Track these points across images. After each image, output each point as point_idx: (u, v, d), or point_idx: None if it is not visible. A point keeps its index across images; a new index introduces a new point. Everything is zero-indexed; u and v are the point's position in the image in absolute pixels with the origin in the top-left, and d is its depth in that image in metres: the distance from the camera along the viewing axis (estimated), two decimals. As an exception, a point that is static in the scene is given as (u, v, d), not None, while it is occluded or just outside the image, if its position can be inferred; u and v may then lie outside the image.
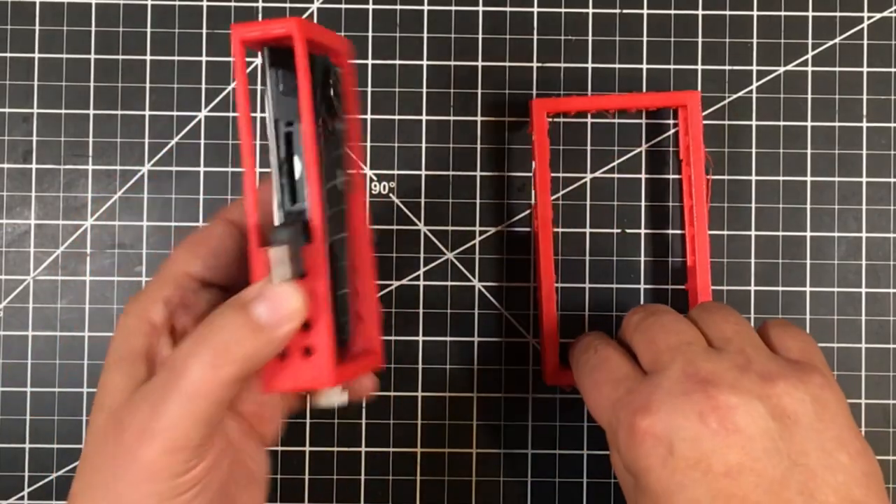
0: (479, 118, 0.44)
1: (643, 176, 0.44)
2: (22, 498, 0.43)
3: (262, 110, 0.43)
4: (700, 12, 0.44)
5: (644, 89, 0.44)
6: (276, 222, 0.29)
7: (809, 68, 0.44)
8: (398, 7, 0.44)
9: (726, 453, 0.28)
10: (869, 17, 0.44)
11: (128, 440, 0.27)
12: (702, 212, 0.42)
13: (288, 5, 0.44)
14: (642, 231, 0.44)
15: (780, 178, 0.44)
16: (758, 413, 0.29)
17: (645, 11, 0.44)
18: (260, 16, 0.44)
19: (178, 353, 0.27)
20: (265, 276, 0.28)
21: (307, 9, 0.44)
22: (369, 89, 0.43)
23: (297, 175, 0.29)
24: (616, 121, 0.44)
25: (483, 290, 0.43)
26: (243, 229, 0.31)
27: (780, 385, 0.29)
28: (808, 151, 0.44)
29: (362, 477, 0.43)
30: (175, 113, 0.44)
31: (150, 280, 0.31)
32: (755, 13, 0.44)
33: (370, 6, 0.44)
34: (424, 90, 0.44)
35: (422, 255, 0.43)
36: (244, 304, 0.27)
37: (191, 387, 0.27)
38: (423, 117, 0.44)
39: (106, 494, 0.27)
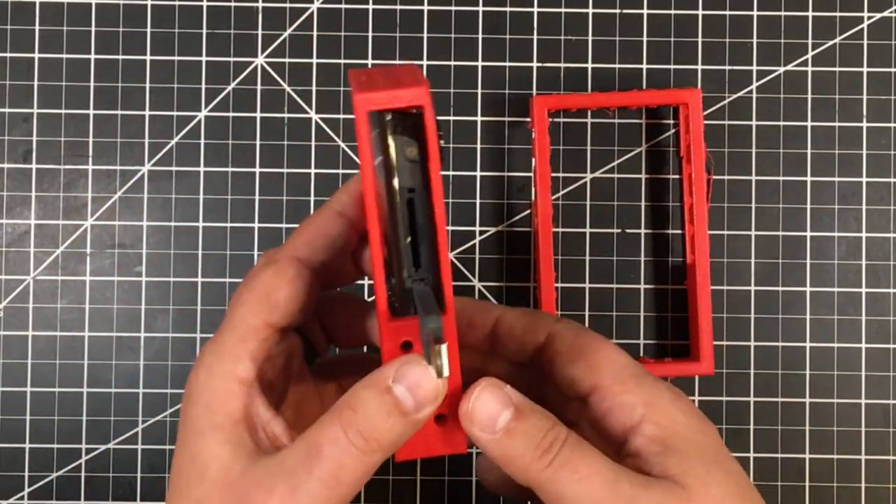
0: (479, 118, 0.44)
1: (643, 176, 0.44)
2: (22, 498, 0.43)
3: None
4: (700, 12, 0.44)
5: (644, 89, 0.44)
6: (410, 295, 0.27)
7: (809, 68, 0.44)
8: (398, 7, 0.44)
9: None
10: (869, 17, 0.44)
11: None
12: (702, 210, 0.42)
13: (288, 5, 0.44)
14: (642, 231, 0.44)
15: (780, 178, 0.44)
16: None
17: (645, 11, 0.44)
18: (260, 16, 0.44)
19: (322, 435, 0.27)
20: (397, 353, 0.27)
21: (307, 9, 0.44)
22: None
23: (416, 242, 0.28)
24: (616, 120, 0.44)
25: (483, 290, 0.43)
26: (313, 267, 0.30)
27: None
28: (808, 151, 0.44)
29: (362, 477, 0.43)
30: (175, 113, 0.44)
31: (224, 330, 0.29)
32: (755, 13, 0.44)
33: (370, 6, 0.44)
34: (424, 90, 0.44)
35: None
36: (387, 387, 0.26)
37: (337, 472, 0.26)
38: (423, 117, 0.44)
39: None
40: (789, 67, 0.44)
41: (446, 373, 0.26)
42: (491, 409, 0.27)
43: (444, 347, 0.25)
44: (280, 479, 0.27)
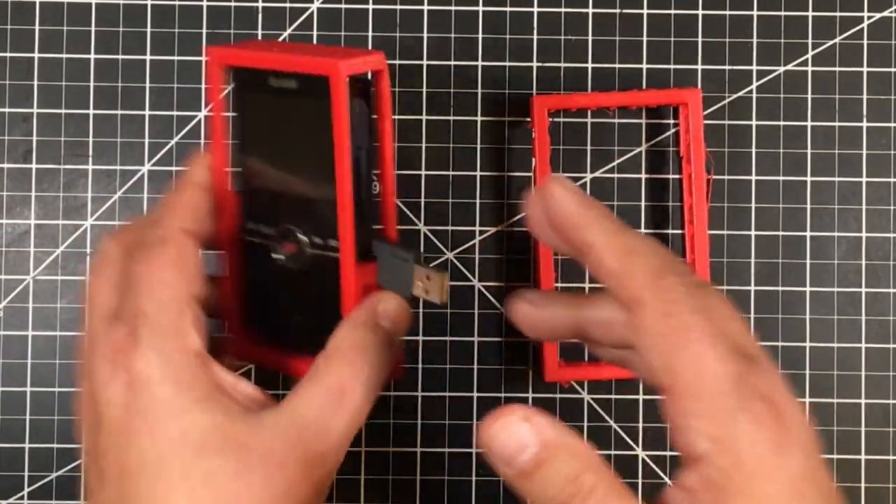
0: (479, 118, 0.44)
1: (643, 176, 0.44)
2: (22, 498, 0.43)
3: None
4: (700, 12, 0.44)
5: (644, 89, 0.44)
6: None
7: (809, 68, 0.44)
8: (398, 7, 0.44)
9: None
10: (869, 17, 0.44)
11: (281, 464, 0.28)
12: (702, 210, 0.42)
13: (288, 5, 0.44)
14: (642, 231, 0.44)
15: (780, 178, 0.44)
16: None
17: (645, 11, 0.44)
18: (260, 16, 0.44)
19: (338, 378, 0.29)
20: (361, 292, 0.32)
21: (307, 9, 0.44)
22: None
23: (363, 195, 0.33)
24: (616, 120, 0.44)
25: (483, 290, 0.43)
26: (201, 239, 0.32)
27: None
28: (808, 151, 0.44)
29: (362, 477, 0.43)
30: (175, 113, 0.44)
31: (146, 312, 0.29)
32: (755, 13, 0.44)
33: (370, 6, 0.44)
34: (424, 90, 0.44)
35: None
36: (377, 324, 0.31)
37: (358, 406, 0.29)
38: (423, 117, 0.44)
39: None
40: (789, 67, 0.44)
41: (447, 298, 0.32)
42: (510, 446, 0.25)
43: (445, 277, 0.32)
44: (306, 427, 0.28)
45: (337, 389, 0.29)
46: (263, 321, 0.35)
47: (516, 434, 0.24)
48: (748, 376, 0.24)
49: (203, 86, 0.44)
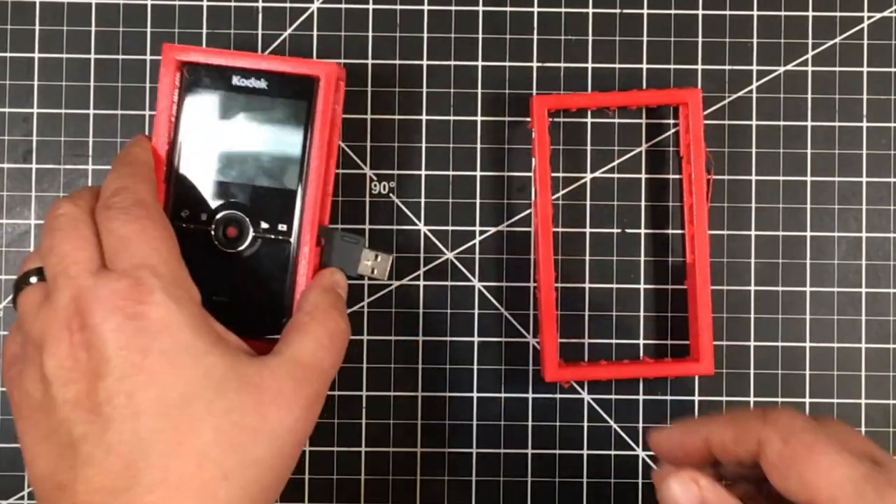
0: (479, 118, 0.44)
1: (643, 175, 0.44)
2: (22, 498, 0.43)
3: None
4: (700, 12, 0.44)
5: (644, 89, 0.44)
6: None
7: (809, 68, 0.44)
8: (398, 7, 0.44)
9: None
10: (869, 17, 0.44)
11: (299, 395, 0.32)
12: (702, 210, 0.42)
13: (288, 5, 0.44)
14: (642, 231, 0.44)
15: (780, 178, 0.44)
16: None
17: (645, 11, 0.44)
18: (260, 16, 0.44)
19: (326, 327, 0.34)
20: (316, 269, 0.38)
21: (307, 9, 0.44)
22: (369, 89, 0.43)
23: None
24: (616, 120, 0.44)
25: (483, 290, 0.43)
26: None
27: None
28: (808, 151, 0.44)
29: (362, 477, 0.43)
30: (175, 113, 0.43)
31: (154, 264, 0.31)
32: (755, 13, 0.44)
33: (370, 6, 0.44)
34: (424, 90, 0.44)
35: (422, 255, 0.43)
36: (336, 290, 0.37)
37: (341, 351, 0.35)
38: (424, 117, 0.44)
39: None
40: (789, 67, 0.44)
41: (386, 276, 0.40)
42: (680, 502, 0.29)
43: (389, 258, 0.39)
44: (308, 365, 0.33)
45: (327, 337, 0.34)
46: None
47: (684, 493, 0.29)
48: (879, 474, 0.27)
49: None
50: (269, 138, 0.38)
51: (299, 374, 0.32)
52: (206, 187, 0.38)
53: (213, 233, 0.38)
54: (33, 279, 0.33)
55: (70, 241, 0.32)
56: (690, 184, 0.42)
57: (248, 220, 0.38)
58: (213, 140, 0.38)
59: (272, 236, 0.38)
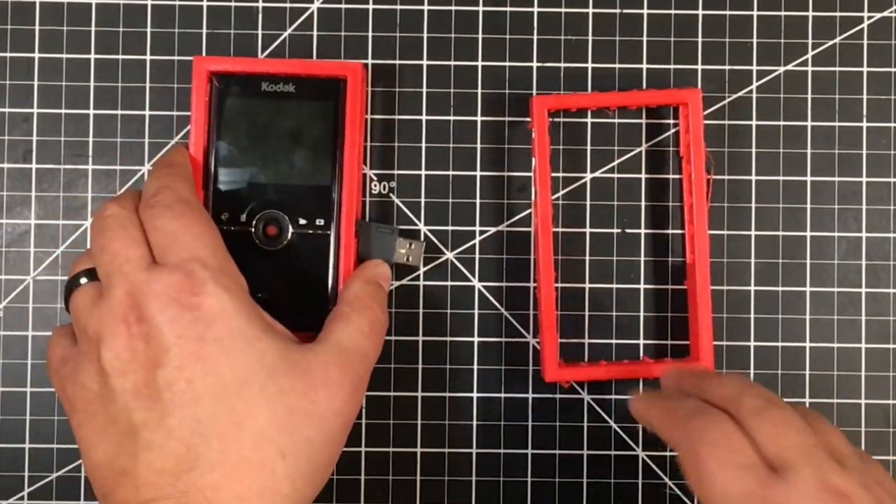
0: (479, 118, 0.44)
1: (643, 175, 0.44)
2: (22, 498, 0.43)
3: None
4: (700, 12, 0.44)
5: (644, 89, 0.44)
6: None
7: (809, 68, 0.44)
8: (398, 7, 0.44)
9: None
10: (869, 17, 0.44)
11: (353, 380, 0.35)
12: (702, 210, 0.42)
13: (288, 5, 0.44)
14: (642, 231, 0.44)
15: (780, 178, 0.44)
16: None
17: (645, 11, 0.44)
18: (260, 16, 0.44)
19: (367, 317, 0.37)
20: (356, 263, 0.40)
21: (307, 9, 0.44)
22: (369, 89, 0.43)
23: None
24: (616, 120, 0.44)
25: (483, 290, 0.43)
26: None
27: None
28: (808, 151, 0.44)
29: (362, 477, 0.43)
30: (175, 113, 0.44)
31: (213, 255, 0.33)
32: (755, 13, 0.44)
33: (370, 6, 0.44)
34: (424, 90, 0.44)
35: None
36: (377, 282, 0.39)
37: (381, 340, 0.37)
38: (424, 117, 0.44)
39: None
40: (789, 67, 0.44)
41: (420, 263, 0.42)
42: None
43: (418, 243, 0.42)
44: (352, 351, 0.35)
45: (368, 326, 0.36)
46: None
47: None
48: (764, 491, 0.31)
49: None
50: (300, 138, 0.40)
51: (343, 359, 0.34)
52: (244, 190, 0.40)
53: (253, 232, 0.40)
54: (83, 280, 0.35)
55: (120, 240, 0.33)
56: (690, 184, 0.42)
57: (286, 217, 0.40)
58: (247, 144, 0.40)
59: (311, 231, 0.40)
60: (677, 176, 0.44)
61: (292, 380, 0.33)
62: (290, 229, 0.40)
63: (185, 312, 0.32)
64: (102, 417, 0.32)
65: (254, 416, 0.32)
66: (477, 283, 0.43)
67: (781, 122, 0.44)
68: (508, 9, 0.44)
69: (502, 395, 0.43)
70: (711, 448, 0.32)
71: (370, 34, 0.44)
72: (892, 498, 0.32)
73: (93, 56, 0.44)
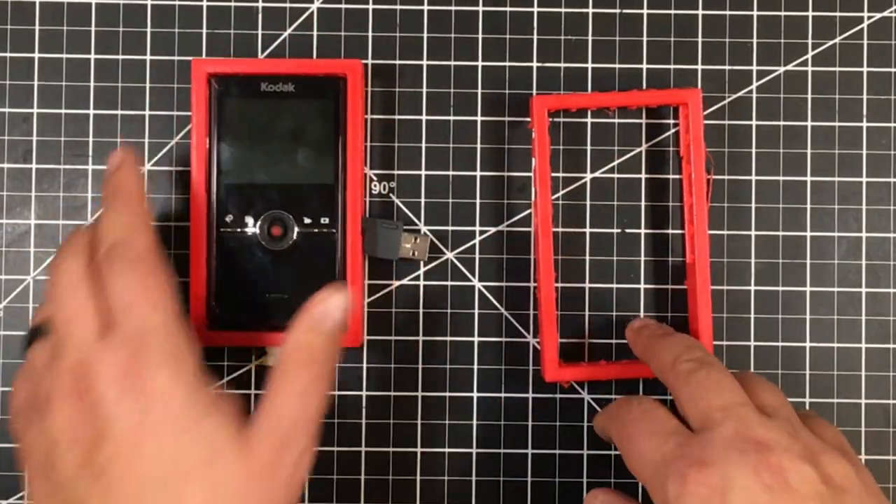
0: (479, 118, 0.44)
1: (643, 176, 0.44)
2: (22, 498, 0.43)
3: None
4: (700, 12, 0.44)
5: (644, 89, 0.44)
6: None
7: (809, 68, 0.44)
8: (398, 7, 0.44)
9: None
10: (869, 17, 0.44)
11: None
12: (702, 210, 0.42)
13: (288, 5, 0.44)
14: (642, 231, 0.44)
15: (780, 178, 0.44)
16: (810, 477, 0.30)
17: (645, 11, 0.44)
18: (260, 16, 0.44)
19: (301, 382, 0.34)
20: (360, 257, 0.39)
21: (307, 9, 0.44)
22: (369, 89, 0.43)
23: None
24: (616, 120, 0.44)
25: (483, 290, 0.43)
26: None
27: (826, 456, 0.31)
28: (808, 151, 0.44)
29: (362, 477, 0.43)
30: (175, 113, 0.44)
31: (154, 331, 0.33)
32: (755, 13, 0.44)
33: (370, 6, 0.44)
34: (424, 90, 0.44)
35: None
36: (318, 328, 0.35)
37: (322, 402, 0.34)
38: (424, 117, 0.44)
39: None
40: (789, 67, 0.44)
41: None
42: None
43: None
44: (291, 424, 0.33)
45: (303, 394, 0.33)
46: (233, 305, 0.41)
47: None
48: (680, 450, 0.32)
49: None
50: (302, 137, 0.40)
51: (283, 435, 0.33)
52: (247, 191, 0.40)
53: (258, 234, 0.40)
54: (40, 335, 0.35)
55: (72, 303, 0.33)
56: (690, 184, 0.42)
57: (291, 217, 0.40)
58: (249, 145, 0.40)
59: (316, 230, 0.40)
60: (677, 176, 0.44)
61: (234, 466, 0.32)
62: (296, 229, 0.40)
63: (129, 392, 0.31)
64: (51, 483, 0.32)
65: (195, 499, 0.31)
66: (477, 283, 0.43)
67: (781, 122, 0.44)
68: (508, 9, 0.44)
69: (502, 395, 0.43)
70: (634, 425, 0.34)
71: (370, 34, 0.44)
72: (824, 446, 0.32)
73: (93, 56, 0.44)
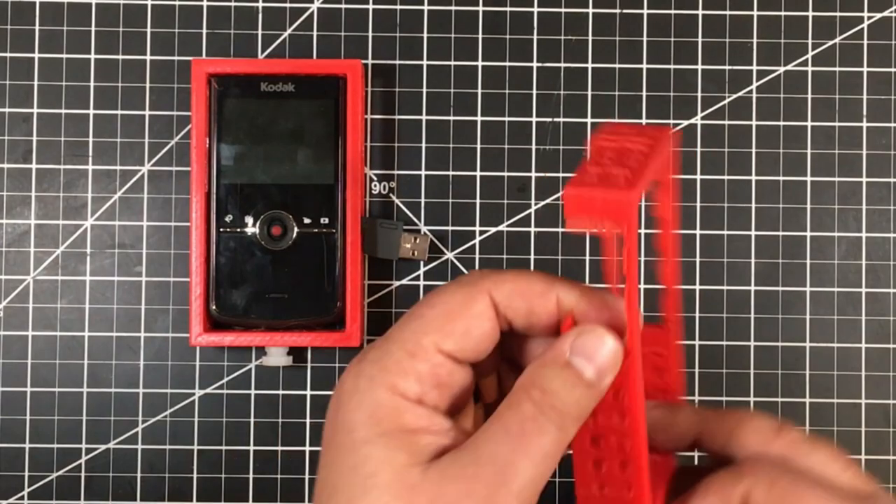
0: (479, 118, 0.44)
1: (643, 176, 0.44)
2: (22, 498, 0.43)
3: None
4: (700, 12, 0.44)
5: (644, 89, 0.44)
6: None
7: (809, 68, 0.44)
8: (398, 7, 0.44)
9: None
10: (869, 17, 0.44)
11: None
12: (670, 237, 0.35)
13: (288, 5, 0.44)
14: (642, 231, 0.44)
15: (780, 178, 0.44)
16: None
17: (645, 11, 0.44)
18: (260, 16, 0.44)
19: (516, 416, 0.26)
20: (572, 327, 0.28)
21: (307, 9, 0.44)
22: (369, 89, 0.43)
23: None
24: (616, 120, 0.44)
25: (483, 289, 0.43)
26: (505, 313, 0.29)
27: None
28: (808, 151, 0.44)
29: (362, 477, 0.43)
30: (175, 113, 0.43)
31: (393, 339, 0.28)
32: (755, 13, 0.44)
33: (370, 6, 0.44)
34: (424, 90, 0.44)
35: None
36: (566, 361, 0.27)
37: (543, 449, 0.26)
38: (424, 117, 0.44)
39: None
40: (789, 67, 0.44)
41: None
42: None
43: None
44: (482, 468, 0.26)
45: (518, 431, 0.26)
46: (233, 305, 0.41)
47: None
48: None
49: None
50: (302, 137, 0.41)
51: (470, 474, 0.27)
52: (247, 191, 0.40)
53: (258, 233, 0.40)
54: None
55: None
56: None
57: (290, 217, 0.40)
58: (249, 145, 0.40)
59: (316, 230, 0.40)
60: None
61: (389, 496, 0.27)
62: (295, 229, 0.40)
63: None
64: None
65: None
66: (477, 283, 0.43)
67: (781, 122, 0.44)
68: (508, 9, 0.44)
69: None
70: (804, 481, 0.27)
71: (370, 34, 0.44)
72: None
73: (93, 56, 0.44)
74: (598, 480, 0.28)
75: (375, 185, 0.43)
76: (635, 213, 0.25)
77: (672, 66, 0.44)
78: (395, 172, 0.43)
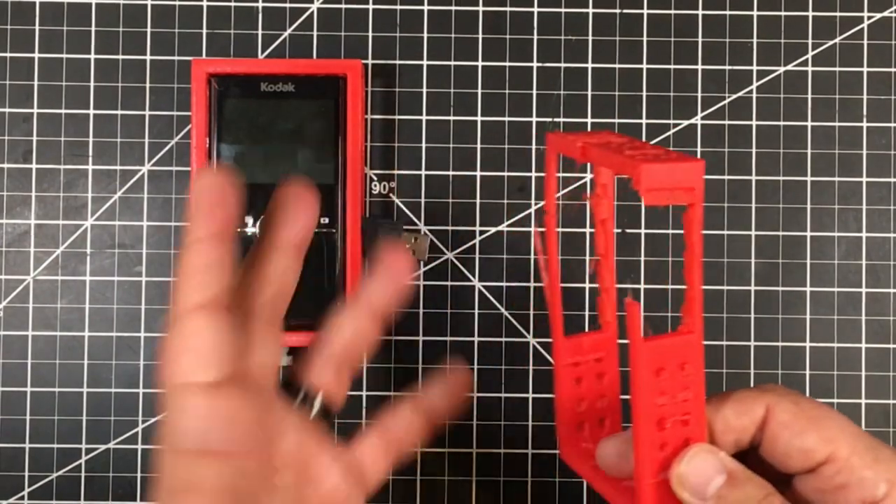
0: (479, 118, 0.44)
1: (643, 176, 0.44)
2: (22, 498, 0.43)
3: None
4: (700, 12, 0.44)
5: (644, 89, 0.44)
6: None
7: (809, 68, 0.44)
8: (398, 7, 0.44)
9: None
10: (869, 17, 0.44)
11: None
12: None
13: (288, 5, 0.44)
14: (642, 231, 0.44)
15: (780, 178, 0.44)
16: None
17: (645, 11, 0.44)
18: (260, 16, 0.44)
19: None
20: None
21: (307, 9, 0.44)
22: (369, 89, 0.43)
23: None
24: (616, 121, 0.44)
25: (483, 290, 0.43)
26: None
27: None
28: (808, 151, 0.44)
29: (362, 477, 0.43)
30: (174, 113, 0.44)
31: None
32: (755, 13, 0.44)
33: (370, 6, 0.44)
34: (424, 90, 0.44)
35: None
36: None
37: None
38: (424, 117, 0.44)
39: None
40: (789, 67, 0.44)
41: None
42: (703, 475, 0.27)
43: None
44: None
45: None
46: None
47: (709, 462, 0.27)
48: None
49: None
50: (302, 137, 0.41)
51: None
52: (247, 191, 0.40)
53: (258, 234, 0.40)
54: None
55: None
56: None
57: None
58: (249, 145, 0.41)
59: (316, 230, 0.40)
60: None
61: None
62: None
63: None
64: None
65: None
66: (477, 283, 0.43)
67: (781, 122, 0.44)
68: (508, 9, 0.44)
69: (502, 395, 0.43)
70: (822, 404, 0.30)
71: (370, 34, 0.44)
72: None
73: (93, 56, 0.44)
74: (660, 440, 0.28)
75: (375, 185, 0.43)
76: (703, 180, 0.27)
77: (672, 66, 0.44)
78: (395, 172, 0.44)
